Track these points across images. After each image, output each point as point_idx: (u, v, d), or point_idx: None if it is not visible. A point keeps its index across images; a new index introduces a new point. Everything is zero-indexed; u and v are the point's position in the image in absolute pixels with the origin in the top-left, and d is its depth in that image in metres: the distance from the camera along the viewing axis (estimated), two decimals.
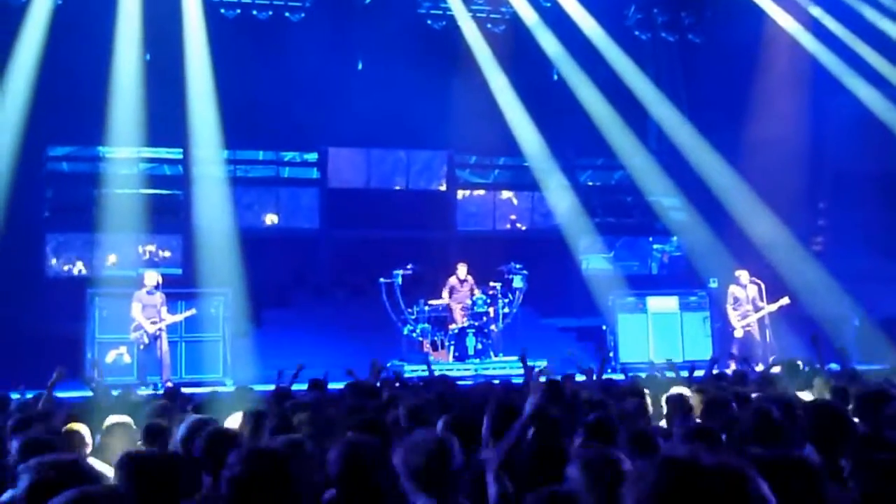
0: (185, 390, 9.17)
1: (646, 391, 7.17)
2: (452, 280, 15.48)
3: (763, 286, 15.00)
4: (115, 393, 8.45)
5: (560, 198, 18.84)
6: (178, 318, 13.70)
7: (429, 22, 17.96)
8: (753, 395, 6.54)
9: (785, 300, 14.79)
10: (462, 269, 15.50)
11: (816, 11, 17.11)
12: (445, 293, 15.44)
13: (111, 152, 17.48)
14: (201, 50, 16.04)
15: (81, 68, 15.47)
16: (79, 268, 17.48)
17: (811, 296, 15.85)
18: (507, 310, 15.45)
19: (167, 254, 17.43)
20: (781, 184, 17.55)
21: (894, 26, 16.61)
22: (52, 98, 15.37)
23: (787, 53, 17.34)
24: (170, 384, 12.36)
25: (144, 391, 11.71)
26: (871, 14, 16.69)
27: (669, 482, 1.61)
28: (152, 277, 13.58)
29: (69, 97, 15.63)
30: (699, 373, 9.28)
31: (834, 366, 9.13)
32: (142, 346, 13.20)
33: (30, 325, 15.16)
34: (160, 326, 13.30)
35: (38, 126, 15.44)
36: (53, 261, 17.47)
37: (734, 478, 1.61)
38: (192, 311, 13.83)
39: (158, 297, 13.46)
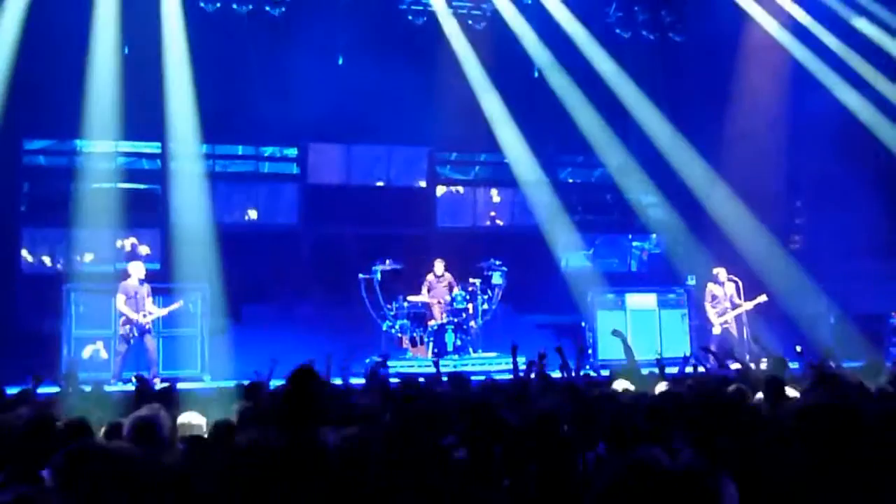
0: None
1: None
2: (430, 277, 15.49)
3: (741, 284, 15.10)
4: (87, 389, 8.38)
5: (540, 195, 18.88)
6: (165, 311, 13.61)
7: (410, 18, 17.92)
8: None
9: (762, 297, 14.89)
10: (439, 266, 15.50)
11: (796, 12, 17.23)
12: (424, 290, 15.44)
13: (89, 146, 17.37)
14: (180, 44, 15.97)
15: (58, 61, 15.35)
16: (55, 263, 17.32)
17: (788, 294, 15.98)
18: (486, 306, 15.46)
19: (146, 250, 17.29)
20: (759, 182, 17.67)
21: (872, 27, 16.77)
22: (29, 91, 15.23)
23: (766, 53, 17.44)
24: (157, 380, 12.35)
25: (119, 387, 11.68)
26: (848, 15, 16.84)
27: (633, 483, 1.61)
28: (139, 269, 13.48)
29: (46, 90, 15.49)
30: (672, 370, 9.33)
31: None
32: (131, 341, 13.09)
33: (4, 321, 15.05)
34: (151, 319, 13.23)
35: (15, 119, 15.31)
36: (29, 256, 17.31)
37: (700, 481, 1.61)
38: (180, 303, 13.76)
39: (144, 288, 13.38)
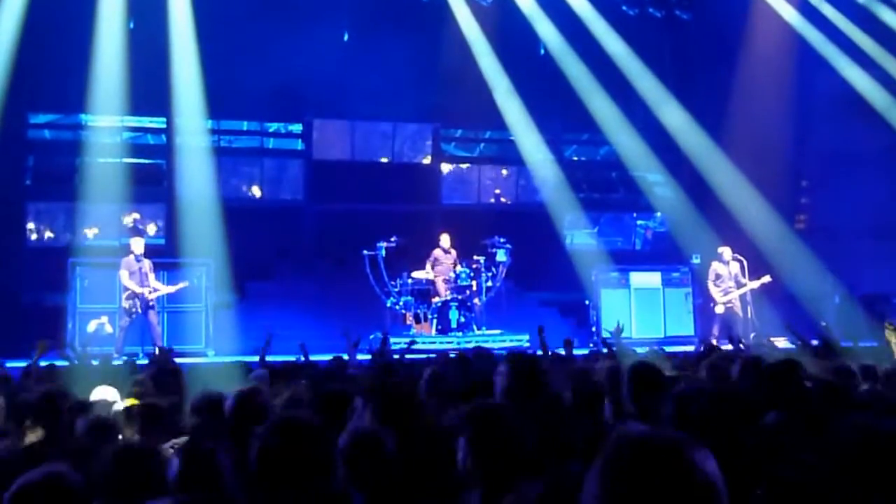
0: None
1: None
2: (437, 252, 15.45)
3: (745, 263, 15.07)
4: (94, 363, 8.41)
5: (545, 172, 18.85)
6: (171, 289, 13.66)
7: None
8: None
9: (766, 278, 14.87)
10: (445, 240, 15.46)
11: None
12: (429, 265, 15.41)
13: (94, 120, 17.36)
14: (186, 18, 15.91)
15: (64, 35, 15.32)
16: (60, 237, 17.36)
17: (793, 274, 15.96)
18: (490, 283, 15.45)
19: (152, 227, 17.33)
20: (766, 161, 17.61)
21: (879, 5, 16.67)
22: (35, 64, 15.21)
23: (773, 31, 17.34)
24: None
25: (123, 361, 11.71)
26: None
27: (618, 461, 1.63)
28: (139, 244, 13.51)
29: (52, 64, 15.47)
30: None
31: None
32: (133, 315, 13.13)
33: (10, 295, 15.10)
34: (155, 296, 13.27)
35: (20, 92, 15.28)
36: (35, 229, 17.35)
37: (681, 455, 1.62)
38: (185, 284, 13.81)
39: (146, 264, 13.40)
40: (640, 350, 9.24)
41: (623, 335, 9.53)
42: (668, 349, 9.63)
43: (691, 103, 17.93)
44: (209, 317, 14.44)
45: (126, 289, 13.16)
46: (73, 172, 16.66)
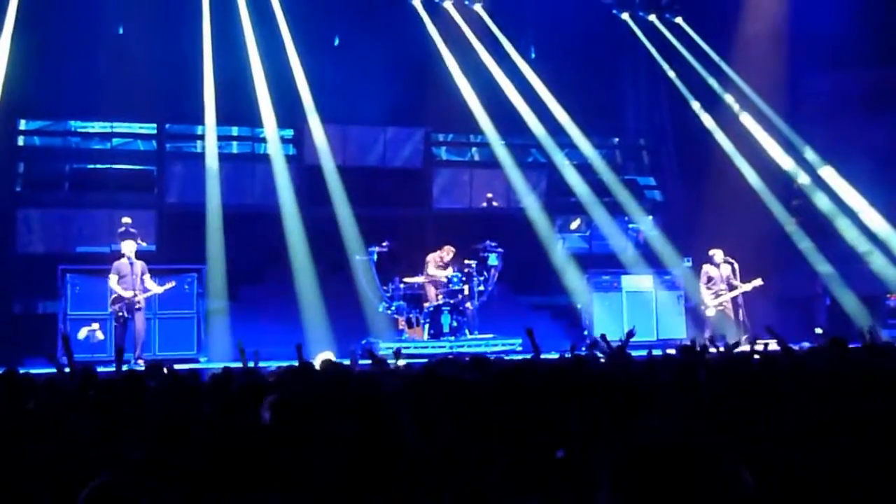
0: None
1: None
2: (443, 257, 15.35)
3: (737, 265, 15.09)
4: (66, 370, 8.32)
5: (537, 176, 18.86)
6: (159, 289, 13.52)
7: None
8: None
9: (758, 281, 14.87)
10: (448, 253, 15.41)
11: None
12: (434, 267, 15.32)
13: (84, 127, 17.32)
14: (176, 23, 15.93)
15: (55, 41, 15.30)
16: (51, 243, 17.26)
17: (785, 275, 16.00)
18: (482, 288, 15.44)
19: (135, 244, 17.25)
20: (758, 163, 17.66)
21: None
22: (25, 71, 15.16)
23: (764, 32, 17.35)
24: (141, 361, 12.23)
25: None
26: None
27: (638, 458, 1.57)
28: (130, 247, 13.39)
29: (42, 70, 15.44)
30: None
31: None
32: (120, 319, 13.02)
33: (0, 302, 15.03)
34: (140, 298, 13.14)
35: (10, 99, 15.24)
36: (25, 236, 17.24)
37: (707, 457, 1.57)
38: (172, 284, 13.72)
39: (138, 266, 13.27)
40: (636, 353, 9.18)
41: (612, 339, 9.49)
42: (657, 353, 9.55)
43: (682, 105, 17.98)
44: (201, 323, 14.38)
45: (112, 292, 13.06)
46: (64, 179, 16.59)
